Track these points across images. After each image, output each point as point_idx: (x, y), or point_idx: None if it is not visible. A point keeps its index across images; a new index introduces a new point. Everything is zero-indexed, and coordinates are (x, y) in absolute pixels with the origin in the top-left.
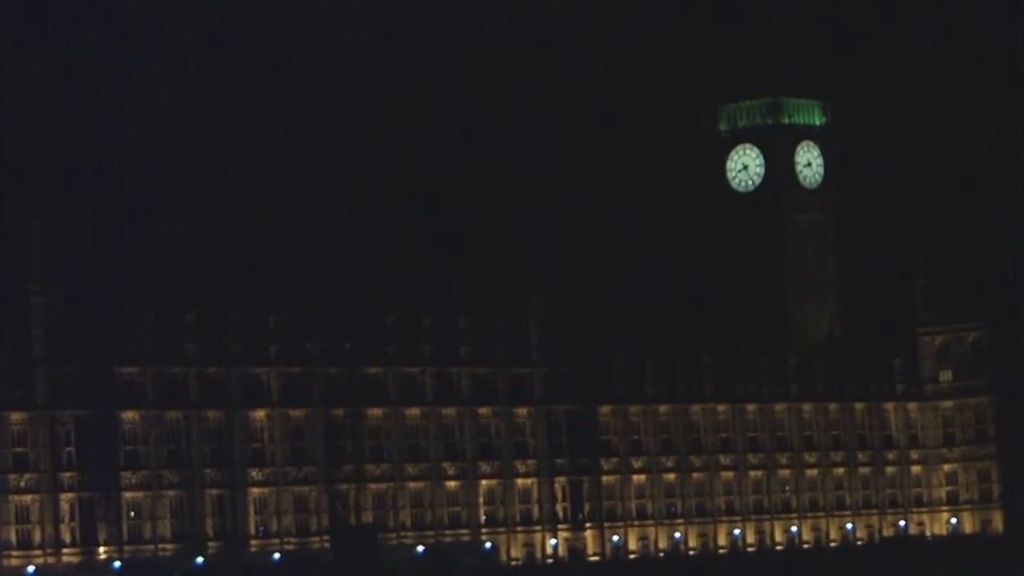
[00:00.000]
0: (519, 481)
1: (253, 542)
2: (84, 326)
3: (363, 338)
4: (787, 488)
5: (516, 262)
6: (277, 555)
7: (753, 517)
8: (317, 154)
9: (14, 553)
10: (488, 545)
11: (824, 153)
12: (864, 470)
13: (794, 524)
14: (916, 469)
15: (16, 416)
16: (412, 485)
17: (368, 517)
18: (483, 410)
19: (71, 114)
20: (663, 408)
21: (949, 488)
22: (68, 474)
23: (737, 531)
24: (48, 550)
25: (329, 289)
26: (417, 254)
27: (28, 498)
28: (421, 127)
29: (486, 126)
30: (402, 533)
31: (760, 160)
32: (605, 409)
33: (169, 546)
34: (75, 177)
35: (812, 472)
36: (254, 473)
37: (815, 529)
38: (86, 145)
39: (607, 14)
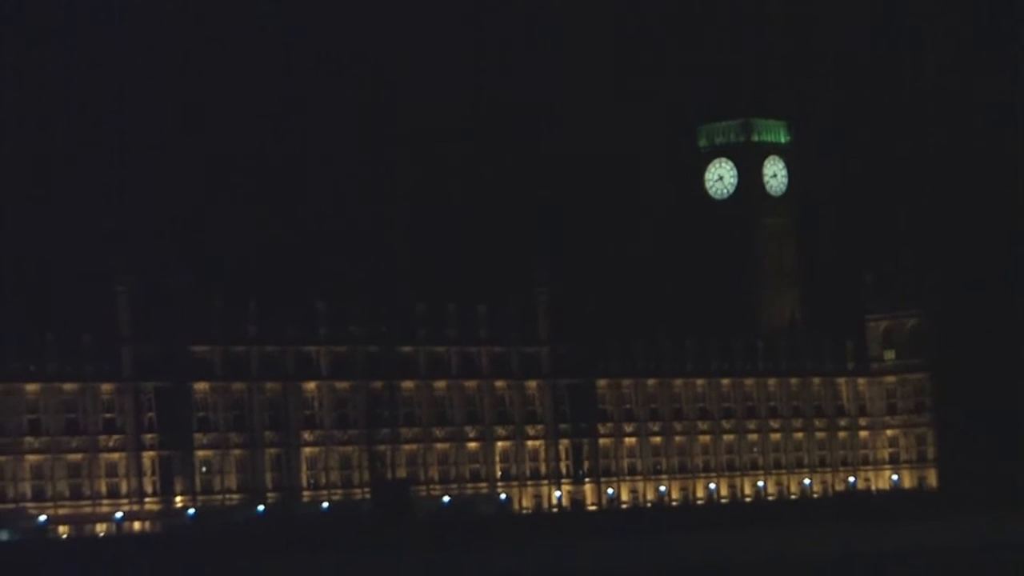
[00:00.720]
0: (529, 443)
1: (305, 493)
2: (162, 311)
3: (398, 322)
4: (755, 449)
5: (527, 259)
6: (325, 504)
7: (726, 473)
8: (357, 160)
9: (104, 502)
10: (503, 496)
11: (788, 166)
12: (820, 434)
13: (760, 480)
14: (863, 434)
15: (106, 387)
16: (439, 446)
17: (402, 473)
18: (499, 383)
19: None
20: (650, 382)
21: (891, 450)
22: (149, 435)
23: (712, 485)
24: (133, 499)
25: (369, 281)
26: (444, 252)
27: (116, 456)
28: (440, 140)
29: (500, 141)
30: (430, 486)
31: (733, 172)
32: (602, 383)
33: (235, 496)
34: (152, 181)
35: (776, 436)
36: (306, 435)
37: (778, 484)
38: (160, 149)
39: (603, 46)
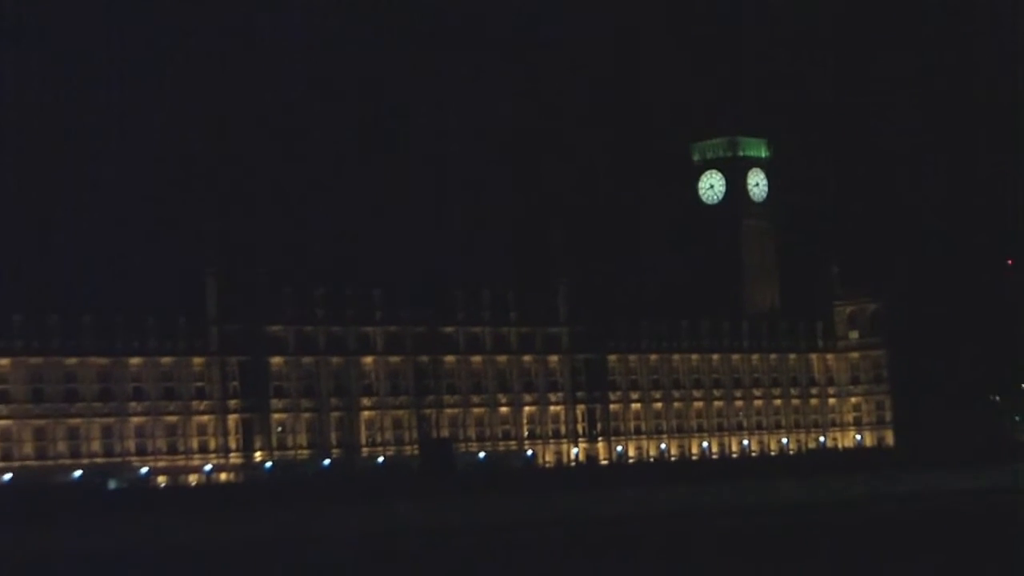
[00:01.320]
0: (551, 408)
1: (364, 450)
2: (244, 296)
3: (441, 306)
4: (740, 414)
5: (549, 253)
6: (381, 459)
7: (716, 434)
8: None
9: (195, 456)
10: (529, 453)
11: (768, 177)
12: (795, 401)
13: (745, 439)
14: (832, 400)
15: (197, 360)
16: (475, 411)
17: (445, 433)
18: (526, 358)
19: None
20: (653, 357)
21: (855, 414)
22: (233, 401)
23: (705, 443)
24: (219, 454)
25: (416, 271)
26: (480, 247)
27: (206, 418)
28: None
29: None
30: (469, 444)
31: (722, 182)
32: (612, 357)
33: (304, 452)
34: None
35: (758, 403)
36: (364, 401)
37: (760, 442)
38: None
39: (609, 72)
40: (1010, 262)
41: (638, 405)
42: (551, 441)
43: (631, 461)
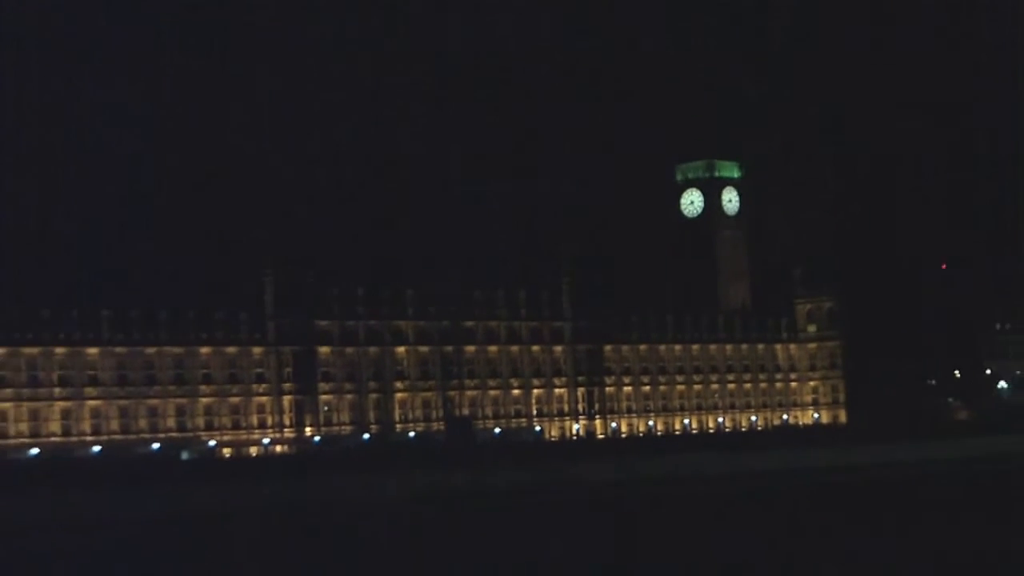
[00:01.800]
0: (556, 390)
1: (397, 426)
2: (296, 295)
3: (463, 304)
4: (716, 395)
5: (555, 258)
6: (412, 433)
7: (696, 412)
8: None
9: (255, 432)
10: (538, 428)
11: (740, 194)
12: (762, 385)
13: (720, 416)
14: (793, 384)
15: (256, 350)
16: (492, 393)
17: (466, 411)
18: (535, 348)
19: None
20: (642, 347)
21: (813, 396)
22: (287, 384)
23: (686, 420)
24: (275, 430)
25: (441, 273)
26: (493, 252)
27: (264, 399)
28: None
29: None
30: (486, 421)
31: (701, 198)
32: (608, 348)
33: (347, 428)
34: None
35: (731, 386)
36: (398, 385)
37: (732, 419)
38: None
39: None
40: (944, 266)
41: (629, 388)
42: (556, 418)
43: (623, 435)
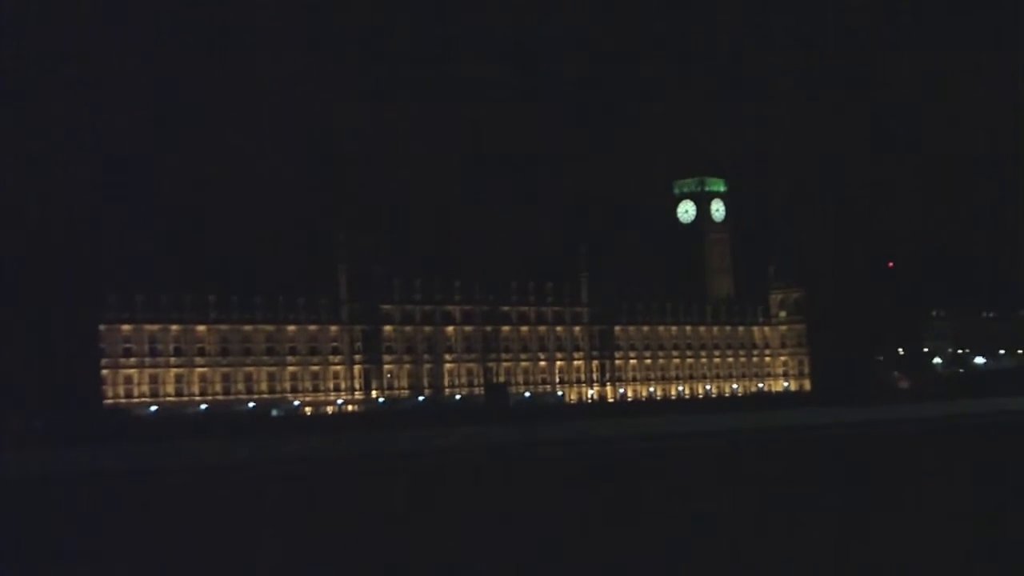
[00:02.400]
0: (575, 363)
1: (446, 390)
2: (364, 284)
3: (500, 293)
4: (704, 367)
5: (575, 257)
6: (457, 396)
7: (688, 381)
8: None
9: (332, 394)
10: (559, 393)
11: (725, 204)
12: (742, 359)
13: (708, 385)
14: (767, 359)
15: (333, 328)
16: (523, 364)
17: (501, 379)
18: (559, 328)
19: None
20: (645, 328)
21: (783, 368)
22: (357, 356)
23: (680, 388)
24: (347, 393)
25: (484, 268)
26: (526, 251)
27: (338, 368)
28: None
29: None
30: (518, 387)
31: (694, 208)
32: (618, 328)
33: (406, 391)
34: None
35: (717, 360)
36: (447, 357)
37: (718, 387)
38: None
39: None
40: (890, 265)
41: (635, 361)
42: (574, 385)
43: (629, 400)
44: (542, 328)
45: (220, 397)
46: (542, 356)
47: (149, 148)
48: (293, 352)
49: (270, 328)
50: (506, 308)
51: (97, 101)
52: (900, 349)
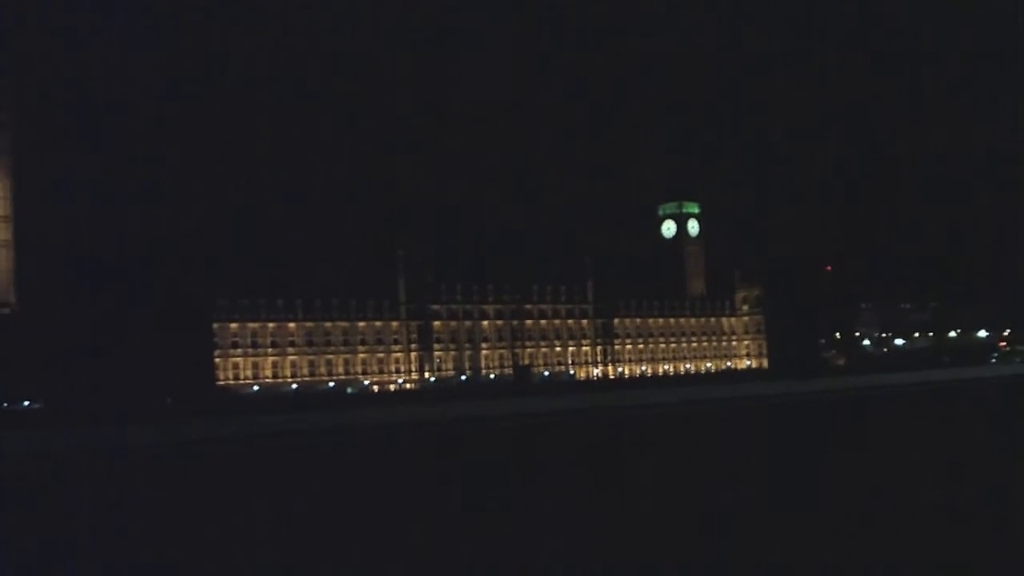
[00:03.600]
0: (583, 348)
1: (483, 371)
2: (418, 288)
3: (524, 293)
4: (684, 351)
5: (582, 265)
6: (492, 376)
7: (672, 361)
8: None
9: (393, 374)
10: (571, 372)
11: (700, 223)
12: (714, 344)
13: (688, 364)
14: (734, 344)
15: (394, 324)
16: (543, 350)
17: (526, 362)
18: (570, 321)
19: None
20: (638, 320)
21: (746, 351)
22: (413, 345)
23: (667, 367)
24: (405, 374)
25: (512, 272)
26: (542, 257)
27: (399, 354)
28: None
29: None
30: (539, 368)
31: (674, 226)
32: (616, 321)
33: (451, 372)
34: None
35: (694, 345)
36: (483, 345)
37: (695, 366)
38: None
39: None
40: (828, 268)
41: (630, 347)
42: (583, 366)
43: (627, 377)
44: (557, 321)
45: (307, 378)
46: (558, 343)
47: (252, 177)
48: (363, 343)
49: (345, 324)
50: (529, 306)
51: (206, 125)
52: (837, 334)
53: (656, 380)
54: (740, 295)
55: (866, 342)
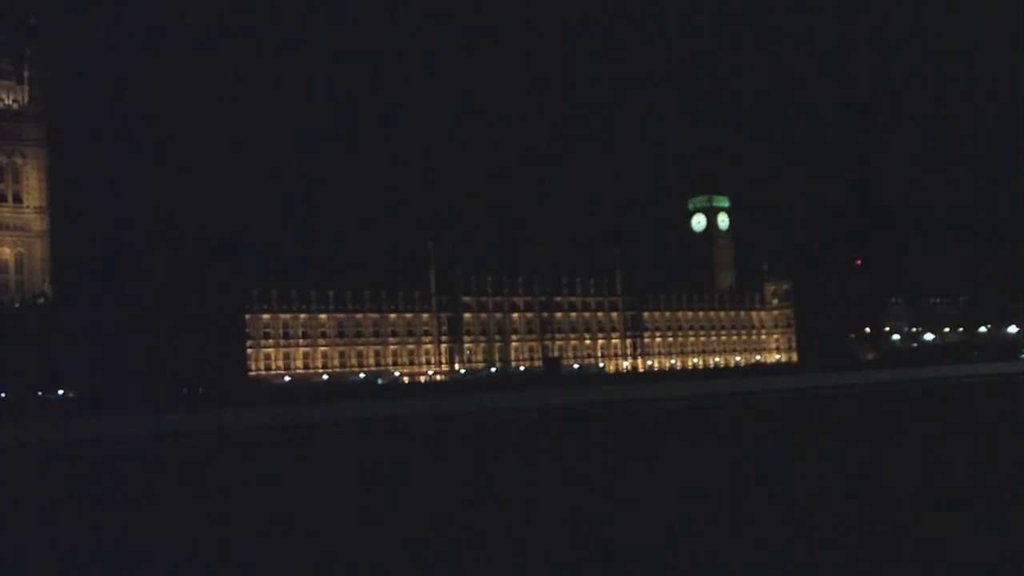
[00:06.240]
0: (612, 341)
1: (513, 363)
2: (448, 281)
3: (554, 287)
4: (714, 344)
5: (612, 258)
6: (522, 368)
7: (700, 355)
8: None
9: (424, 366)
10: (600, 364)
11: (730, 216)
12: (744, 337)
13: (716, 358)
14: (763, 337)
15: (425, 316)
16: (572, 342)
17: (556, 354)
18: (600, 314)
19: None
20: (667, 313)
21: (776, 344)
22: (444, 337)
23: (695, 360)
24: (436, 365)
25: (540, 268)
26: (574, 253)
27: (429, 346)
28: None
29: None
30: (568, 360)
31: (704, 220)
32: (646, 313)
33: (481, 364)
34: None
35: (723, 338)
36: (514, 337)
37: (724, 359)
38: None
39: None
40: (859, 263)
41: (659, 339)
42: (612, 359)
43: (656, 370)
44: (587, 313)
45: (338, 369)
46: (587, 336)
47: (285, 169)
48: (393, 334)
49: (375, 316)
50: (558, 298)
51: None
52: (867, 328)
53: (684, 374)
54: (769, 289)
55: (895, 336)
